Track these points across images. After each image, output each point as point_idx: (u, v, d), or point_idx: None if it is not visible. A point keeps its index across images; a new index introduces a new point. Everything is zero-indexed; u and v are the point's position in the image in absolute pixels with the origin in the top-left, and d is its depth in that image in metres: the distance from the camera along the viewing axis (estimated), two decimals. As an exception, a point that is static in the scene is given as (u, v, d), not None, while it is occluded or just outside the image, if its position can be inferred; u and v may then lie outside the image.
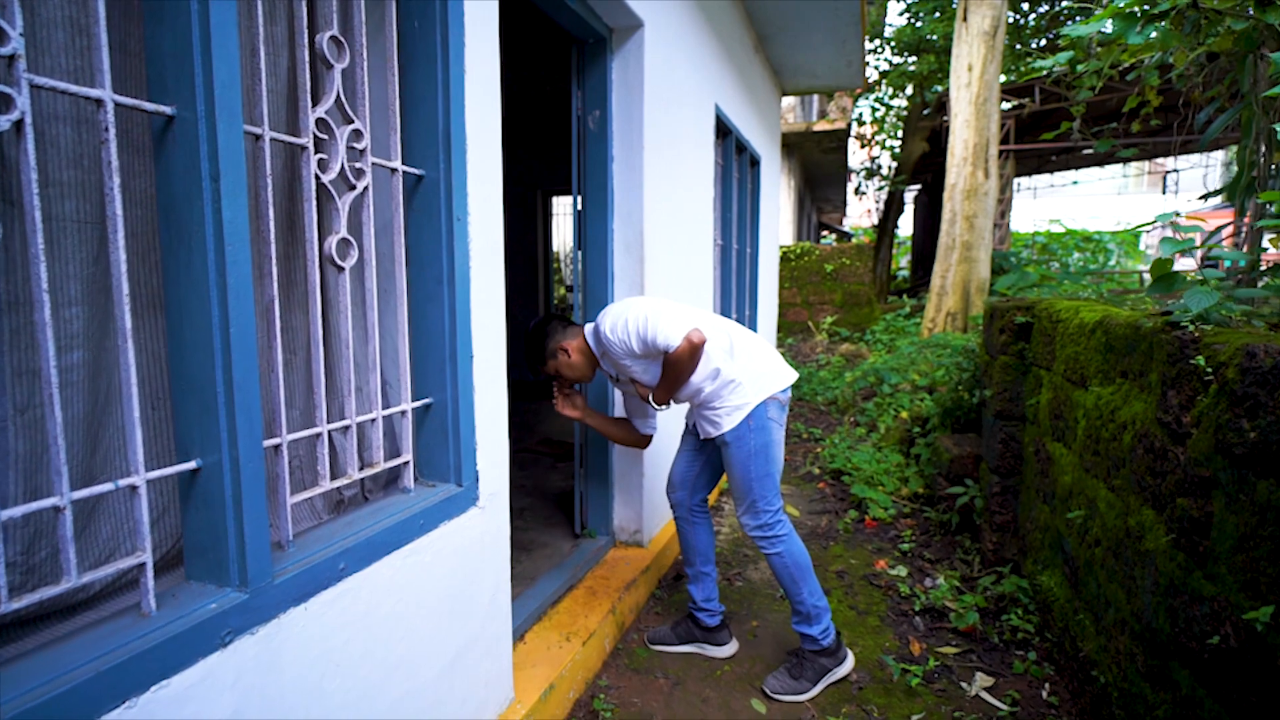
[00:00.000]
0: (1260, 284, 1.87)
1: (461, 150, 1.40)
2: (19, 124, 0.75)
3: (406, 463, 1.38)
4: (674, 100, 2.84)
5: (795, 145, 11.03)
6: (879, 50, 10.80)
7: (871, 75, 11.23)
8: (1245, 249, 2.11)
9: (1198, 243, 1.42)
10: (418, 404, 1.41)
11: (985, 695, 1.95)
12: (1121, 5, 1.82)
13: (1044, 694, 1.93)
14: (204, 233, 0.91)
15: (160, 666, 0.85)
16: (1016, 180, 12.46)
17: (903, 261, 17.49)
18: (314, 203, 1.11)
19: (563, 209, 6.40)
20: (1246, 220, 2.14)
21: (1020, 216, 20.71)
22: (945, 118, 9.09)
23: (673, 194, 2.85)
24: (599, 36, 2.40)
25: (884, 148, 11.61)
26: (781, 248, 8.66)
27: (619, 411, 2.58)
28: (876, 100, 11.21)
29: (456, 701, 1.45)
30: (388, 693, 1.24)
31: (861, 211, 26.27)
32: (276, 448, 1.07)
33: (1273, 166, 1.90)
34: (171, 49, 0.89)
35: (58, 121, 0.89)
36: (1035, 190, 18.15)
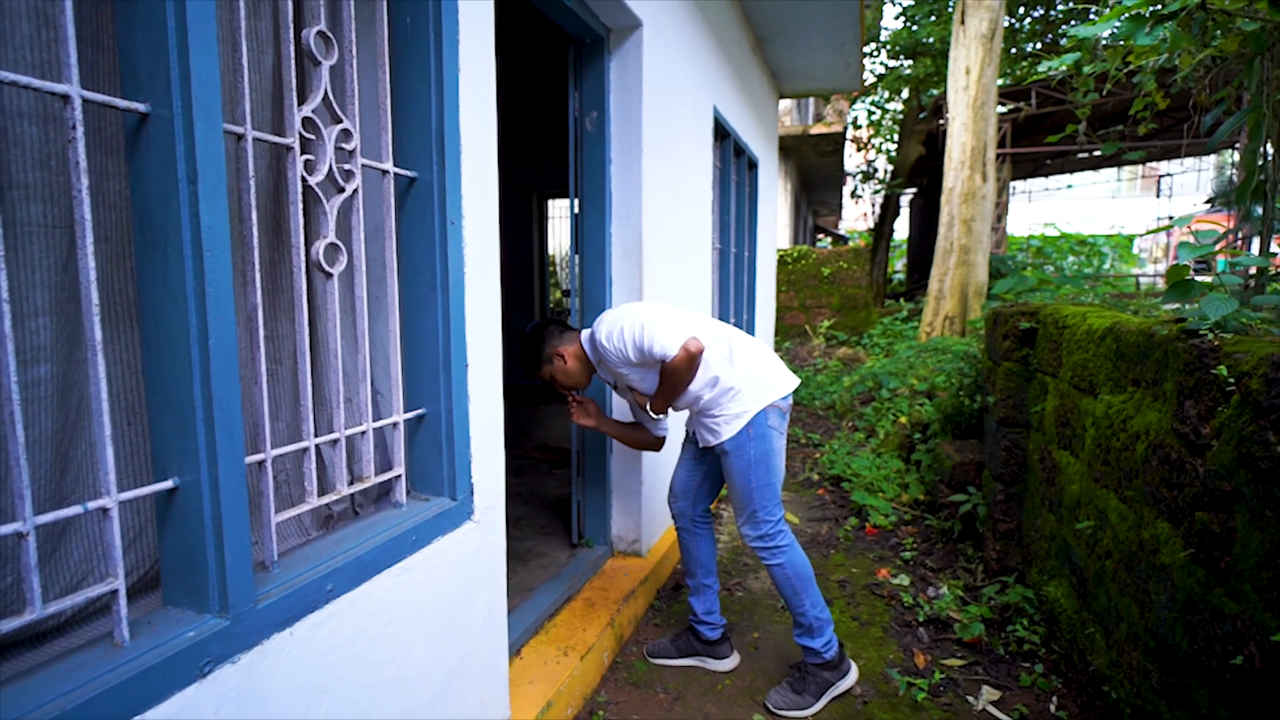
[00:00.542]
0: (1268, 289, 1.83)
1: (455, 151, 1.35)
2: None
3: (398, 476, 1.33)
4: (672, 101, 2.79)
5: (792, 148, 11.02)
6: (875, 54, 10.80)
7: (868, 79, 11.23)
8: (1251, 255, 2.08)
9: (1216, 248, 1.38)
10: (410, 415, 1.35)
11: (992, 710, 1.90)
12: (1129, 5, 1.79)
13: (1052, 708, 1.89)
14: (181, 238, 0.86)
15: (133, 701, 0.79)
16: (1012, 184, 12.47)
17: (898, 265, 17.51)
18: (300, 206, 1.06)
19: (559, 212, 6.35)
20: (1244, 225, 2.11)
21: (1015, 220, 20.76)
22: (941, 121, 9.09)
23: (671, 197, 2.81)
24: (597, 36, 2.36)
25: (880, 151, 11.61)
26: (779, 251, 8.63)
27: (618, 417, 2.53)
28: (873, 104, 11.21)
29: (450, 724, 1.40)
30: (378, 718, 1.18)
31: (857, 215, 26.33)
32: (260, 464, 1.02)
33: (1282, 170, 1.87)
34: (145, 43, 0.84)
35: (22, 119, 0.84)
36: (1030, 194, 18.22)
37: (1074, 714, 1.84)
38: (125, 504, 0.98)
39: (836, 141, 10.78)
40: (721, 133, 3.87)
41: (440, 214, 1.33)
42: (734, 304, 4.48)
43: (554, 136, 5.23)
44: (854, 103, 11.84)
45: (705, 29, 3.29)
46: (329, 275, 1.15)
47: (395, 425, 1.32)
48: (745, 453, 1.91)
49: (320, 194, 1.12)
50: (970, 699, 1.95)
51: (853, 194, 13.26)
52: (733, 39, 3.93)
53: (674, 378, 1.82)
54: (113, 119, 0.93)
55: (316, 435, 1.22)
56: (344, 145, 1.16)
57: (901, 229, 16.94)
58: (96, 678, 0.78)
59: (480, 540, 1.48)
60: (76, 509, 0.79)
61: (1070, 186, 14.01)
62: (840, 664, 1.97)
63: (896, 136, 11.12)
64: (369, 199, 1.29)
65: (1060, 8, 9.58)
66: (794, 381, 2.01)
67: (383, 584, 1.20)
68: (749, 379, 1.93)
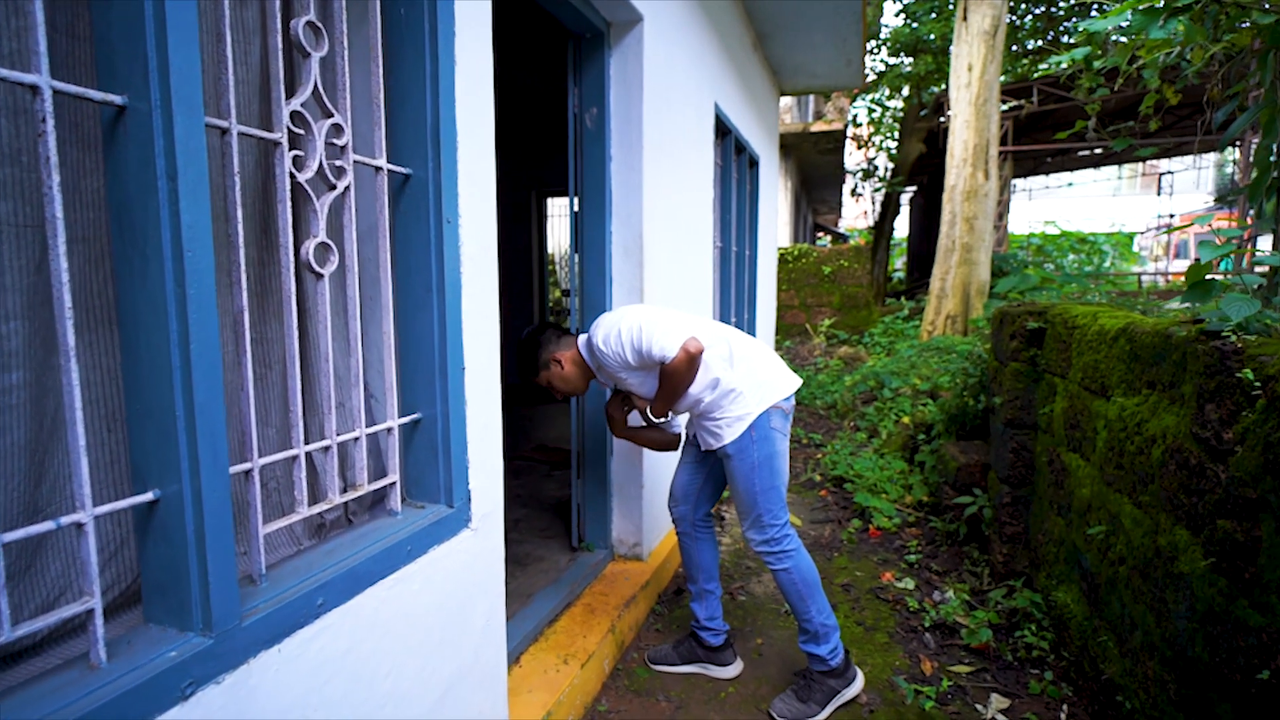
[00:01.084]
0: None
1: (452, 148, 1.30)
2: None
3: (393, 483, 1.28)
4: (673, 98, 2.75)
5: (792, 146, 10.97)
6: (875, 51, 10.75)
7: (868, 76, 11.17)
8: (1265, 254, 2.04)
9: (1236, 247, 1.34)
10: (405, 420, 1.31)
11: (1002, 718, 1.86)
12: (1141, -2, 1.75)
13: (1062, 716, 1.85)
14: (160, 237, 0.81)
15: (109, 727, 0.75)
16: (1012, 181, 12.44)
17: (898, 263, 17.48)
18: (289, 203, 1.02)
19: (559, 210, 6.30)
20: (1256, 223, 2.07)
21: (1015, 218, 20.74)
22: (942, 119, 9.05)
23: (672, 195, 2.76)
24: (596, 31, 2.31)
25: (880, 149, 11.57)
26: (779, 250, 8.59)
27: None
28: (873, 101, 11.17)
29: (447, 738, 1.35)
30: (371, 735, 1.14)
31: (857, 213, 26.28)
32: (247, 473, 0.98)
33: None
34: (121, 31, 0.79)
35: (-9, 112, 0.79)
36: (1030, 192, 18.19)
37: (1085, 723, 1.81)
38: (106, 516, 0.94)
39: (837, 139, 10.74)
40: (722, 130, 3.82)
41: (436, 212, 1.28)
42: (735, 303, 4.44)
43: (554, 134, 5.18)
44: (854, 100, 11.80)
45: (706, 24, 3.25)
46: (319, 276, 1.11)
47: (390, 430, 1.27)
48: (748, 456, 1.86)
49: (310, 191, 1.07)
50: (979, 707, 1.91)
51: (853, 192, 13.21)
52: (733, 35, 3.88)
53: (674, 379, 1.77)
54: (90, 112, 0.89)
55: (308, 442, 1.18)
56: (335, 141, 1.11)
57: (901, 227, 16.90)
58: (71, 703, 0.73)
59: (478, 548, 1.43)
60: (49, 525, 0.75)
61: (1071, 184, 13.97)
62: (846, 671, 1.93)
63: (897, 134, 11.08)
64: (362, 197, 1.25)
65: (1062, 4, 9.54)
66: (796, 382, 1.97)
67: (377, 596, 1.15)
68: (750, 380, 1.89)
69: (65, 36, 0.86)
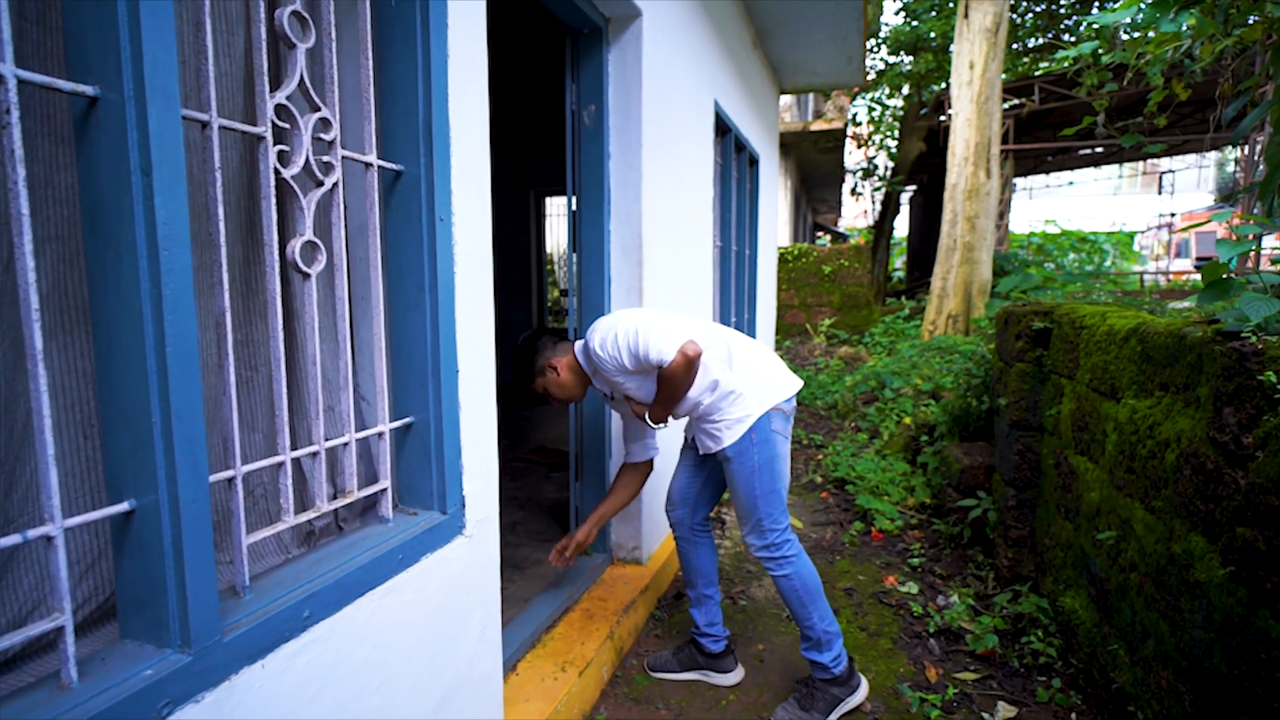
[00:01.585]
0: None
1: (445, 143, 1.26)
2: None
3: (384, 489, 1.24)
4: (673, 95, 2.71)
5: (792, 145, 10.93)
6: (875, 50, 10.71)
7: (868, 75, 11.13)
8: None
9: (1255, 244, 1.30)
10: (397, 424, 1.27)
11: (1009, 727, 1.83)
12: (1151, -9, 1.71)
13: (1071, 725, 1.81)
14: (134, 235, 0.77)
15: (78, 752, 0.71)
16: (1013, 180, 12.40)
17: (898, 262, 17.44)
18: (273, 200, 0.98)
19: (557, 210, 6.25)
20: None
21: (1016, 217, 20.71)
22: (943, 117, 9.01)
23: (672, 193, 2.72)
24: (595, 26, 2.27)
25: (881, 148, 11.53)
26: (779, 249, 8.55)
27: (616, 431, 2.45)
28: (873, 100, 11.13)
29: (441, 751, 1.32)
30: (361, 751, 1.10)
31: (857, 212, 26.23)
32: (230, 481, 0.94)
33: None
34: (92, 18, 0.75)
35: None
36: (1031, 191, 18.15)
37: (1094, 732, 1.77)
38: (82, 527, 0.90)
39: (836, 138, 10.69)
40: (722, 128, 3.78)
41: (429, 210, 1.24)
42: (735, 303, 4.40)
43: (554, 133, 5.14)
44: (854, 99, 11.76)
45: (706, 21, 3.21)
46: (306, 276, 1.07)
47: (381, 435, 1.23)
48: (749, 459, 1.83)
49: (296, 188, 1.03)
50: (986, 715, 1.88)
51: (853, 191, 13.17)
52: (733, 32, 3.84)
53: (672, 383, 1.74)
54: (63, 105, 0.85)
55: (297, 447, 1.14)
56: (322, 135, 1.07)
57: (901, 227, 16.86)
58: (37, 727, 0.69)
59: (472, 556, 1.39)
60: (15, 538, 0.71)
61: (1071, 183, 13.93)
62: (850, 679, 1.89)
63: (897, 133, 11.04)
64: (352, 194, 1.21)
65: (1063, 1, 9.50)
66: (797, 383, 1.93)
67: (366, 607, 1.11)
68: (750, 382, 1.85)
69: (35, 25, 0.83)
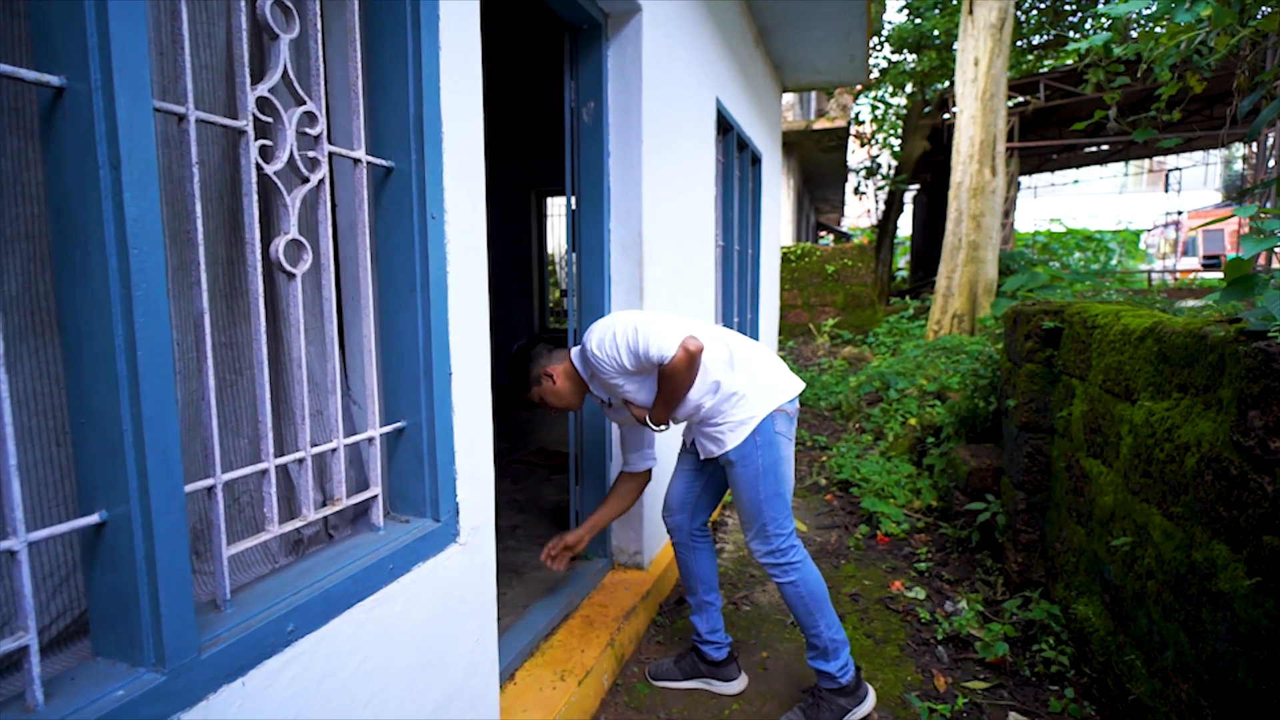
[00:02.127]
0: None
1: (436, 139, 1.22)
2: None
3: (375, 496, 1.20)
4: (673, 92, 2.66)
5: (794, 144, 10.87)
6: (878, 48, 10.65)
7: (871, 73, 11.08)
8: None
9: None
10: (388, 429, 1.23)
11: (1020, 738, 1.78)
12: (1166, -19, 1.67)
13: (1084, 736, 1.76)
14: (103, 232, 0.73)
15: (42, 780, 0.67)
16: (1018, 179, 12.32)
17: (902, 262, 17.36)
18: (255, 197, 0.94)
19: (558, 210, 6.22)
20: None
21: (1021, 216, 20.60)
22: (946, 115, 8.95)
23: (673, 193, 2.68)
24: (593, 22, 2.23)
25: (884, 146, 11.46)
26: (782, 248, 8.50)
27: (614, 441, 2.40)
28: (876, 99, 11.06)
29: (434, 767, 1.27)
30: (350, 770, 1.06)
31: (860, 212, 26.14)
32: (210, 490, 0.90)
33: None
34: (58, 4, 0.71)
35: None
36: (1035, 189, 18.05)
37: (1109, 743, 1.72)
38: (55, 539, 0.86)
39: (839, 137, 10.64)
40: (724, 126, 3.74)
41: (420, 208, 1.20)
42: (737, 302, 4.35)
43: (554, 133, 5.10)
44: (857, 98, 11.70)
45: (707, 18, 3.16)
46: (291, 275, 1.03)
47: (371, 440, 1.19)
48: (752, 462, 1.78)
49: (280, 184, 0.99)
50: (996, 726, 1.83)
51: (856, 190, 13.11)
52: (735, 30, 3.80)
53: (674, 380, 1.69)
54: (32, 97, 0.81)
55: (282, 453, 1.10)
56: (308, 130, 1.03)
57: (905, 226, 16.79)
58: (-4, 755, 0.66)
59: (467, 564, 1.35)
60: (-27, 554, 0.67)
61: (1077, 182, 13.84)
62: (857, 689, 1.84)
63: (900, 132, 10.97)
64: (340, 191, 1.17)
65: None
66: (799, 384, 1.89)
67: (355, 619, 1.07)
68: (752, 383, 1.80)
69: (5, 14, 0.79)
